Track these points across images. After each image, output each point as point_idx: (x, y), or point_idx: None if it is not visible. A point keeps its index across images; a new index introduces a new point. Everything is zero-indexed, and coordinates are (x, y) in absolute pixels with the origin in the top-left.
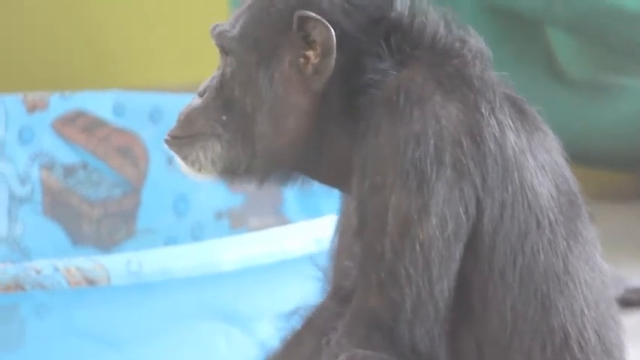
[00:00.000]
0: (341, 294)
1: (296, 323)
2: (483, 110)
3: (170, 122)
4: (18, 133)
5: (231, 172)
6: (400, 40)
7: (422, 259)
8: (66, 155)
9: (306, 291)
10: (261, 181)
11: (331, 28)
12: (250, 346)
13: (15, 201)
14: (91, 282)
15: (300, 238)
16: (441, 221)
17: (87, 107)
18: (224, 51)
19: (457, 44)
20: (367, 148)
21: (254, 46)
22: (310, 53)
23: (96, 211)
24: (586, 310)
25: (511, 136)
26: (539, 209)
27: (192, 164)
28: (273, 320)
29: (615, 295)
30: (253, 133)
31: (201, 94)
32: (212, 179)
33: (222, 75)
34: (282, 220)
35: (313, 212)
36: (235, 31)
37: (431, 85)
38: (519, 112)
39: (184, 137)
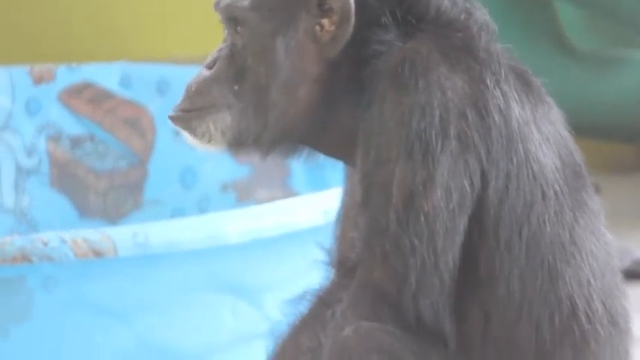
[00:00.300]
0: (347, 266)
1: (303, 308)
2: (488, 82)
3: (177, 94)
4: (25, 104)
5: (238, 143)
6: (406, 11)
7: (426, 230)
8: (73, 127)
9: (313, 263)
10: (267, 152)
11: None
12: (257, 319)
13: (22, 173)
14: (97, 253)
15: (307, 210)
16: (445, 193)
17: (94, 79)
18: (235, 21)
19: (462, 16)
20: (372, 119)
21: (268, 16)
22: (325, 21)
23: (102, 183)
24: (592, 281)
25: (516, 108)
26: (544, 180)
27: (201, 136)
28: (280, 293)
29: (621, 266)
30: (266, 103)
31: (209, 66)
32: (219, 150)
33: (233, 45)
34: (289, 192)
35: (320, 184)
36: (246, 2)
37: (436, 57)
38: (524, 84)
39: (194, 110)
